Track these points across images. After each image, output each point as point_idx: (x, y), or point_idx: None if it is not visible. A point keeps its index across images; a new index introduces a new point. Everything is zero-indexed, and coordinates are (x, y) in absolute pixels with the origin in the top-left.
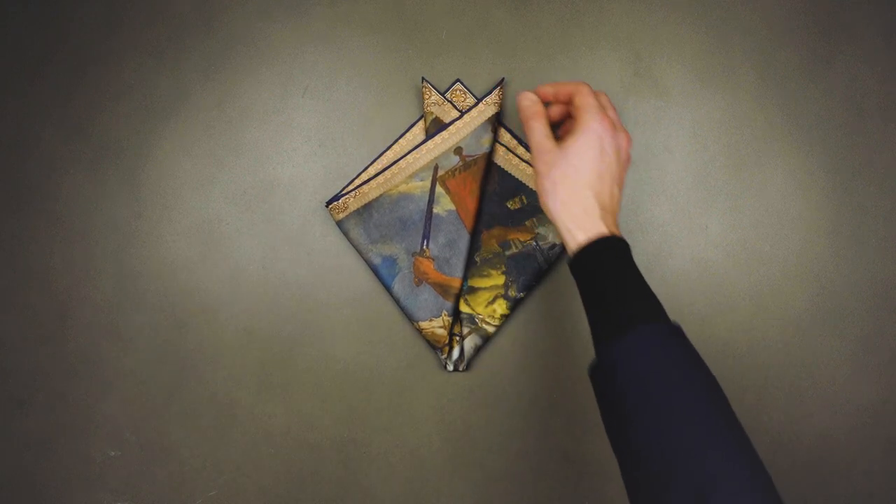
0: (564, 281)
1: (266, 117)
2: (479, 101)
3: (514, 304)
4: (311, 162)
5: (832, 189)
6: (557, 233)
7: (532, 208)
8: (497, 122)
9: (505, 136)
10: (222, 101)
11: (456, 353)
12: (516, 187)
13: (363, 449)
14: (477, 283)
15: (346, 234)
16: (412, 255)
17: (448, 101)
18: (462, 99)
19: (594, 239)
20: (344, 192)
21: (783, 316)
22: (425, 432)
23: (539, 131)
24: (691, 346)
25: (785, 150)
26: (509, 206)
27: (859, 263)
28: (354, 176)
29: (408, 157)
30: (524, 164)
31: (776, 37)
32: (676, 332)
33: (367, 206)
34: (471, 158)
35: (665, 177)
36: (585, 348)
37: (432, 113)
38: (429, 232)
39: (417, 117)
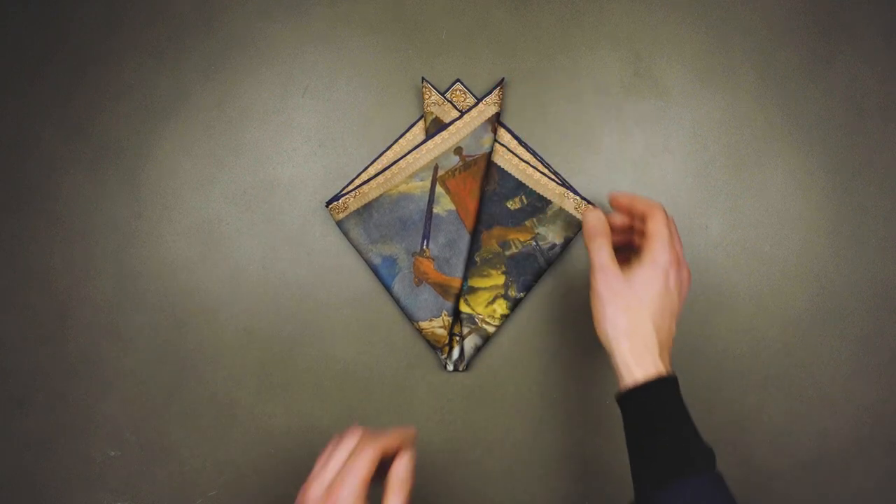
0: (564, 281)
1: (266, 117)
2: (479, 101)
3: (515, 304)
4: (311, 162)
5: (832, 189)
6: (612, 362)
7: (532, 208)
8: (497, 122)
9: (505, 136)
10: (222, 101)
11: (456, 353)
12: (516, 187)
13: None
14: (477, 283)
15: (346, 234)
16: (412, 255)
17: (448, 101)
18: (462, 99)
19: (653, 377)
20: (344, 192)
21: (783, 316)
22: (425, 432)
23: (604, 251)
24: (732, 497)
25: (785, 150)
26: (509, 206)
27: (859, 263)
28: (354, 176)
29: (408, 157)
30: (524, 164)
31: (776, 37)
32: (719, 482)
33: (367, 206)
34: (471, 158)
35: (665, 177)
36: (585, 349)
37: (432, 113)
38: (429, 232)
39: (417, 117)
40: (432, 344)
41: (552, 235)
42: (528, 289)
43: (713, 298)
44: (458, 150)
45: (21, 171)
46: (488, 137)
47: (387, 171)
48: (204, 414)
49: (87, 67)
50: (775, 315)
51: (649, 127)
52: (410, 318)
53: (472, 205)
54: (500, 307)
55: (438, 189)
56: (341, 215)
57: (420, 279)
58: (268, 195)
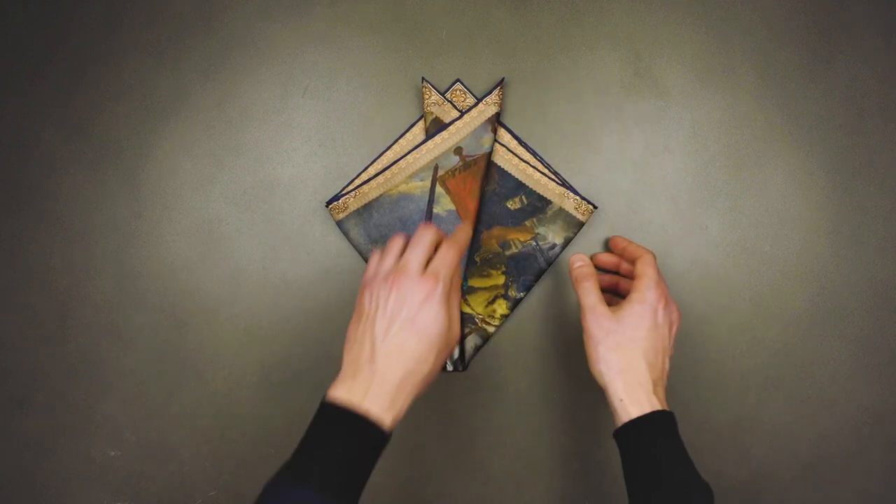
0: (564, 281)
1: (266, 117)
2: (479, 101)
3: (515, 304)
4: (311, 162)
5: (832, 189)
6: (608, 401)
7: (532, 208)
8: (497, 122)
9: (505, 136)
10: (222, 101)
11: (456, 353)
12: (516, 187)
13: None
14: (477, 283)
15: (346, 234)
16: None
17: (448, 101)
18: (462, 99)
19: (647, 413)
20: (344, 192)
21: (783, 316)
22: (425, 432)
23: (592, 293)
24: None
25: (785, 150)
26: (509, 206)
27: (859, 263)
28: (354, 176)
29: (408, 157)
30: (524, 164)
31: (776, 37)
32: None
33: (368, 206)
34: (471, 158)
35: (665, 177)
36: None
37: (432, 113)
38: None
39: (417, 117)
40: None
41: (552, 235)
42: (528, 289)
43: (713, 298)
44: (458, 150)
45: (21, 171)
46: (488, 137)
47: (387, 171)
48: (204, 414)
49: (87, 67)
50: (775, 315)
51: (649, 127)
52: None
53: (472, 205)
54: (501, 307)
55: (438, 189)
56: (341, 215)
57: None
58: (268, 195)
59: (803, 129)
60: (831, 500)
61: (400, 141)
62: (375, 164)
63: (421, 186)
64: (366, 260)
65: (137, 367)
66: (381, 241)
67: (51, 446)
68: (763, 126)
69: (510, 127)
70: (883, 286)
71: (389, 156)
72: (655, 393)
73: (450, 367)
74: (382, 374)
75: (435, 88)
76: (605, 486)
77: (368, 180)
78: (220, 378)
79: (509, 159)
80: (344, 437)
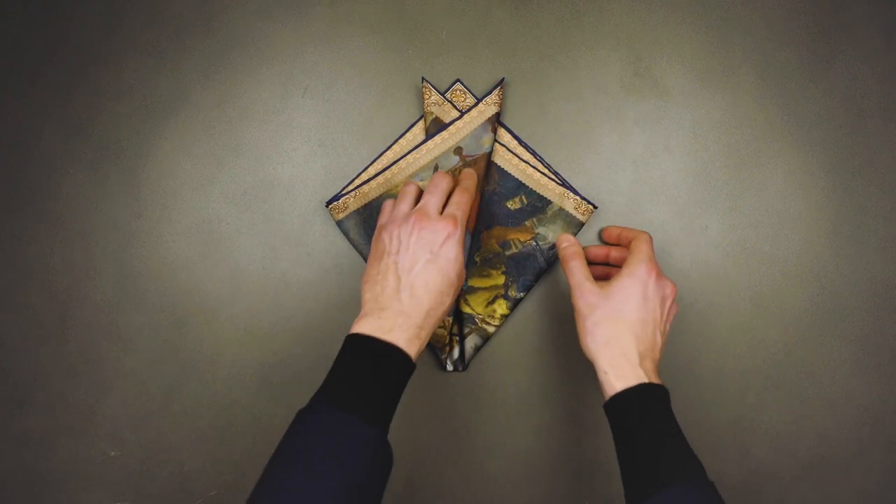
0: (564, 281)
1: (266, 117)
2: (479, 101)
3: (515, 305)
4: (311, 162)
5: (832, 189)
6: (597, 374)
7: (532, 208)
8: (497, 122)
9: (505, 136)
10: (222, 101)
11: (456, 353)
12: (516, 187)
13: None
14: (477, 283)
15: (346, 234)
16: None
17: (448, 101)
18: (462, 99)
19: (632, 386)
20: (344, 191)
21: (783, 316)
22: (425, 432)
23: (579, 270)
24: None
25: (785, 150)
26: (509, 206)
27: (859, 263)
28: (354, 176)
29: (408, 157)
30: (524, 163)
31: (776, 37)
32: (711, 491)
33: (368, 206)
34: (471, 158)
35: (665, 177)
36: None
37: (432, 113)
38: None
39: (417, 117)
40: (432, 344)
41: (552, 235)
42: (528, 289)
43: (713, 298)
44: (457, 150)
45: (21, 171)
46: (488, 137)
47: (387, 171)
48: (204, 414)
49: (87, 67)
50: (775, 315)
51: (649, 127)
52: None
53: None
54: (500, 307)
55: None
56: (341, 215)
57: None
58: (268, 195)
59: (803, 129)
60: (831, 500)
61: (400, 141)
62: (375, 164)
63: (421, 186)
64: (365, 259)
65: (137, 367)
66: None
67: (51, 446)
68: (763, 126)
69: (510, 127)
70: (883, 286)
71: (389, 156)
72: (642, 366)
73: (450, 367)
74: (410, 306)
75: (435, 88)
76: (605, 486)
77: (369, 180)
78: (220, 378)
79: (509, 159)
80: (374, 364)
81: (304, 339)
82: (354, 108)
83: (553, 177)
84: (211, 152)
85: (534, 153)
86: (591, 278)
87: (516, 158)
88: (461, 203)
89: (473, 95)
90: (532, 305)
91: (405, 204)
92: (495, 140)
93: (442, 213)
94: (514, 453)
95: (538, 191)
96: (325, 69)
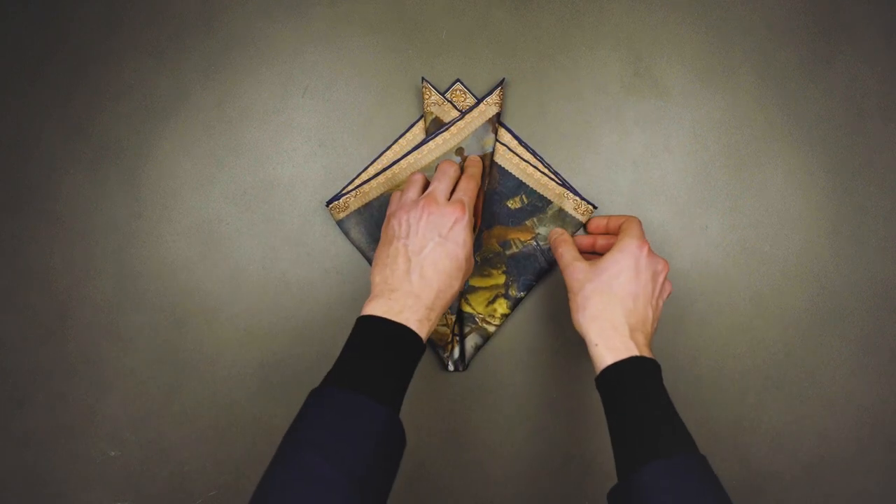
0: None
1: (266, 117)
2: (479, 101)
3: (515, 304)
4: (311, 162)
5: (832, 189)
6: (588, 349)
7: (532, 208)
8: (497, 122)
9: (505, 136)
10: (222, 101)
11: (457, 352)
12: (517, 186)
13: None
14: (477, 282)
15: (346, 233)
16: None
17: (448, 101)
18: (462, 99)
19: (623, 359)
20: (344, 191)
21: (783, 316)
22: (425, 432)
23: (568, 253)
24: (716, 478)
25: (785, 150)
26: (510, 205)
27: (859, 263)
28: (355, 176)
29: (409, 157)
30: (524, 163)
31: (776, 37)
32: (701, 464)
33: (368, 206)
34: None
35: (665, 177)
36: (585, 348)
37: (432, 113)
38: None
39: (417, 117)
40: (435, 342)
41: None
42: (528, 288)
43: (713, 298)
44: (459, 151)
45: (21, 171)
46: (490, 138)
47: (388, 171)
48: (204, 414)
49: (87, 67)
50: (775, 315)
51: (649, 127)
52: None
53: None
54: (501, 307)
55: None
56: (342, 215)
57: None
58: (268, 195)
59: (803, 129)
60: (831, 500)
61: (400, 141)
62: (376, 163)
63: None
64: (367, 259)
65: (137, 367)
66: None
67: (51, 446)
68: (763, 126)
69: (510, 127)
70: (883, 286)
71: (389, 156)
72: (633, 338)
73: (450, 367)
74: (419, 287)
75: (435, 88)
76: (605, 486)
77: (369, 180)
78: (220, 378)
79: (510, 158)
80: (385, 345)
81: (304, 339)
82: (354, 108)
83: (553, 177)
84: (211, 152)
85: (534, 153)
86: (581, 258)
87: (517, 157)
88: (468, 189)
89: (473, 95)
90: (532, 305)
91: (413, 192)
92: (496, 140)
93: (452, 197)
94: (513, 453)
95: (538, 190)
96: (325, 69)
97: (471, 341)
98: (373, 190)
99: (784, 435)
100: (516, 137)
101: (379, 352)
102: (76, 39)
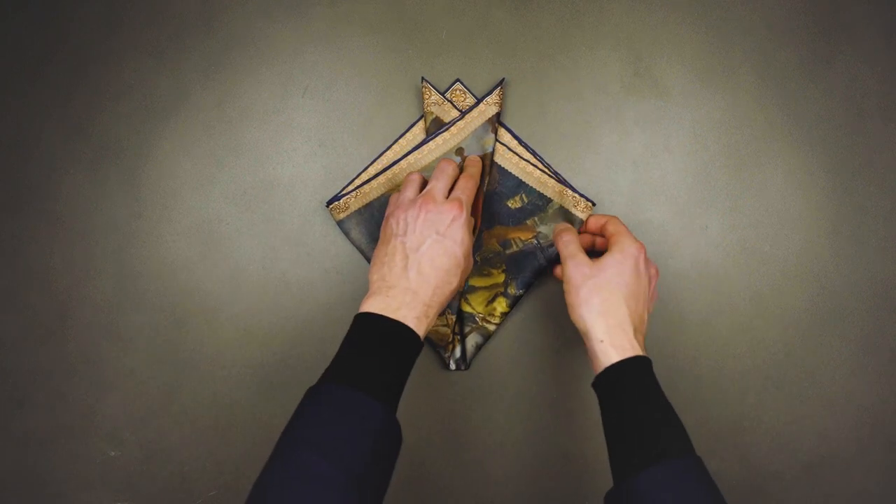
0: None
1: (266, 117)
2: (479, 101)
3: (514, 302)
4: (311, 162)
5: (832, 189)
6: (588, 346)
7: (532, 207)
8: (497, 122)
9: (505, 136)
10: (222, 101)
11: (458, 352)
12: (517, 186)
13: None
14: (477, 282)
15: (346, 234)
16: None
17: (448, 101)
18: (462, 99)
19: (628, 357)
20: (345, 191)
21: (783, 316)
22: (425, 432)
23: (572, 243)
24: (713, 483)
25: (785, 150)
26: (510, 205)
27: (859, 263)
28: (355, 176)
29: (409, 157)
30: (524, 162)
31: (776, 37)
32: (698, 467)
33: (369, 206)
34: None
35: (665, 177)
36: (585, 348)
37: (432, 113)
38: None
39: (417, 117)
40: (435, 342)
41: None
42: (527, 286)
43: (713, 298)
44: (459, 151)
45: (21, 171)
46: (489, 138)
47: (388, 171)
48: (204, 414)
49: (87, 67)
50: (775, 315)
51: (649, 127)
52: None
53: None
54: (500, 305)
55: None
56: (342, 215)
57: None
58: (268, 195)
59: (803, 129)
60: (831, 500)
61: (400, 141)
62: (376, 163)
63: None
64: (367, 260)
65: (137, 367)
66: None
67: (51, 446)
68: (763, 126)
69: (510, 127)
70: (883, 286)
71: (389, 156)
72: (636, 338)
73: (452, 367)
74: (417, 284)
75: (435, 88)
76: (605, 486)
77: (369, 180)
78: (220, 378)
79: (509, 157)
80: (382, 342)
81: (304, 339)
82: (354, 108)
83: (553, 176)
84: (211, 152)
85: (534, 153)
86: (584, 252)
87: (516, 157)
88: (466, 188)
89: (473, 95)
90: (532, 304)
91: (410, 191)
92: (496, 140)
93: (450, 195)
94: (514, 452)
95: (538, 189)
96: (325, 69)
97: (471, 341)
98: (373, 190)
99: (784, 435)
100: (516, 137)
101: (376, 349)
102: (76, 39)
